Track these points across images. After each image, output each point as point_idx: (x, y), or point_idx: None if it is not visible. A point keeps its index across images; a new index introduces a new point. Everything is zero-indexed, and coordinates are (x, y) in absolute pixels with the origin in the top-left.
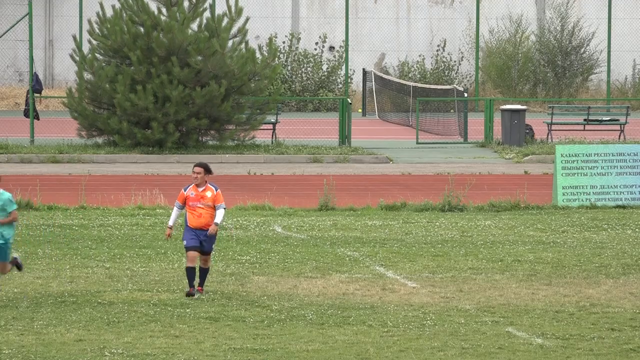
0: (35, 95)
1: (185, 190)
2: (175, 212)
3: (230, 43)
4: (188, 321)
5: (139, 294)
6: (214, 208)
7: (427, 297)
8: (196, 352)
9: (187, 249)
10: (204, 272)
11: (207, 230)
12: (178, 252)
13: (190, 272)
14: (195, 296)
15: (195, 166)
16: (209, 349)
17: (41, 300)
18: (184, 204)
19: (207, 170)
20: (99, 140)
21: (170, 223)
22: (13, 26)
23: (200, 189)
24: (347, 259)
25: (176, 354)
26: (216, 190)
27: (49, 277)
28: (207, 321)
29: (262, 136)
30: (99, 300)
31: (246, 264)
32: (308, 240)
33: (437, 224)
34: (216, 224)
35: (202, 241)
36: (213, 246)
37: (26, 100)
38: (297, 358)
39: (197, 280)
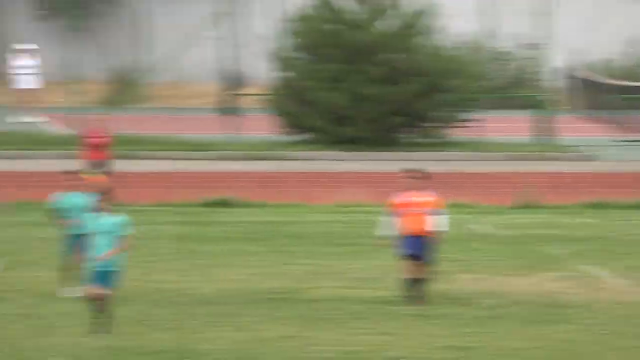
0: (235, 93)
1: (398, 197)
2: (385, 220)
3: (426, 42)
4: (396, 318)
5: (344, 291)
6: (432, 214)
7: (638, 296)
8: (404, 349)
9: (404, 257)
10: (422, 282)
11: (426, 236)
12: (378, 251)
13: (409, 283)
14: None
15: (412, 171)
16: (416, 346)
17: (252, 297)
18: (397, 211)
19: (425, 176)
20: (297, 137)
21: (382, 232)
22: (210, 28)
23: (418, 194)
24: (554, 257)
25: (384, 350)
26: (435, 196)
27: (256, 273)
28: (415, 319)
29: (460, 133)
30: (306, 297)
31: (452, 263)
32: (512, 238)
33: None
34: (441, 231)
35: (420, 248)
36: (431, 254)
37: (226, 99)
38: (507, 356)
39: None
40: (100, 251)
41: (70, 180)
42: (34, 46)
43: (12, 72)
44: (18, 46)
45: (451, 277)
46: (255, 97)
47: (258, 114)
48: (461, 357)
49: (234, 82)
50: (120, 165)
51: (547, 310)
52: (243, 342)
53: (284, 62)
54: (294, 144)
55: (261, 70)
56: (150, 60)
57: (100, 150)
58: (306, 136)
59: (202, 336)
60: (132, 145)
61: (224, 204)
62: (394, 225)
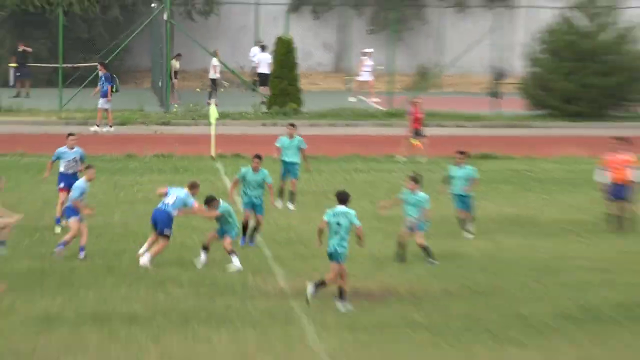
0: (499, 82)
1: (608, 155)
2: (599, 171)
3: (631, 47)
4: (596, 233)
5: (560, 216)
6: (631, 168)
7: None
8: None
9: (610, 199)
10: (622, 218)
11: (626, 184)
12: (594, 190)
13: (613, 218)
14: None
15: (618, 138)
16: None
17: (499, 220)
18: (607, 165)
19: (627, 141)
20: (541, 112)
21: (598, 179)
22: (481, 38)
23: (621, 154)
24: None
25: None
26: (632, 156)
27: (504, 205)
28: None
29: None
30: (538, 221)
31: None
32: None
33: None
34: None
35: (622, 193)
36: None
37: (491, 85)
38: None
39: None
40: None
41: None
42: (371, 50)
43: (361, 69)
44: (365, 50)
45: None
46: (513, 86)
47: (515, 97)
48: (635, 258)
49: (500, 75)
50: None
51: None
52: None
53: (534, 61)
54: (538, 117)
55: (518, 67)
56: (443, 58)
57: (418, 122)
58: (546, 112)
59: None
60: (432, 118)
61: (485, 157)
62: (604, 175)
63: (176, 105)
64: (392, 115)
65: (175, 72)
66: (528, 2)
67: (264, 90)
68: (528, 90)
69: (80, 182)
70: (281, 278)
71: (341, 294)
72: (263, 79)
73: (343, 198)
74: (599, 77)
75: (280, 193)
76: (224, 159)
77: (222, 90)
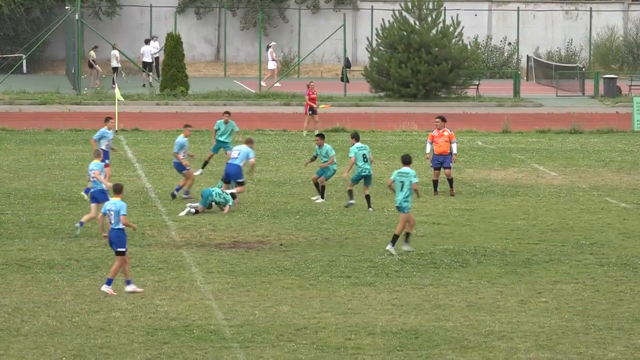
0: (347, 69)
1: (433, 132)
2: (429, 145)
3: (453, 41)
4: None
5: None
6: (450, 142)
7: (561, 180)
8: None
9: (436, 168)
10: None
11: (446, 155)
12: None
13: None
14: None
15: (438, 117)
16: (439, 208)
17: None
18: (432, 140)
19: (444, 119)
20: (381, 94)
21: (427, 151)
22: (332, 34)
23: (440, 130)
24: (517, 159)
25: (423, 210)
26: (450, 131)
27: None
28: (443, 194)
29: (470, 92)
30: (380, 182)
31: (461, 163)
32: (495, 149)
33: (568, 140)
34: (455, 154)
35: (442, 162)
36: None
37: (341, 72)
38: (490, 214)
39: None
40: None
41: None
42: (274, 43)
43: (270, 59)
44: (269, 44)
45: (461, 171)
46: (359, 72)
47: (360, 82)
48: (465, 214)
49: (348, 63)
50: None
51: (512, 189)
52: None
53: (374, 52)
54: (379, 98)
55: (363, 57)
56: (301, 50)
57: (313, 101)
58: (385, 93)
59: (322, 203)
60: (293, 99)
61: (336, 130)
62: (430, 148)
63: (86, 88)
64: (262, 96)
65: (94, 61)
66: (369, 5)
67: (147, 77)
68: (370, 76)
69: (180, 138)
70: (173, 230)
71: (407, 238)
72: (147, 66)
73: (406, 160)
74: (427, 65)
75: (204, 165)
76: (126, 132)
77: (123, 76)
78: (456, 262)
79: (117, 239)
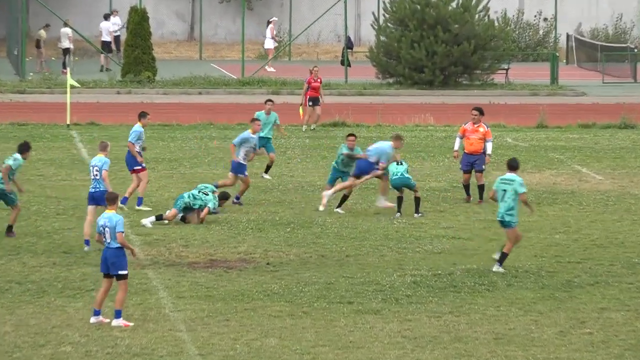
0: (348, 50)
1: (464, 125)
2: (457, 140)
3: (477, 15)
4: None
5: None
6: (485, 140)
7: (609, 185)
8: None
9: (465, 170)
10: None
11: (478, 154)
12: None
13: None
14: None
15: (474, 109)
16: (461, 220)
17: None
18: (462, 134)
19: (482, 112)
20: (390, 80)
21: (455, 148)
22: (331, 7)
23: (476, 125)
24: (556, 160)
25: (441, 221)
26: (487, 128)
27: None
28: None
29: (498, 78)
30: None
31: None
32: (529, 147)
33: (616, 137)
34: (489, 155)
35: (473, 163)
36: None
37: (342, 54)
38: (522, 226)
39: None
40: None
41: None
42: (275, 18)
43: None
44: (270, 19)
45: (487, 173)
46: (363, 54)
47: (364, 66)
48: (491, 227)
49: (349, 43)
50: None
51: (548, 196)
52: (348, 216)
53: (381, 30)
54: (387, 85)
55: (368, 36)
56: (293, 27)
57: (315, 90)
58: (394, 80)
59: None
60: (284, 86)
61: (335, 124)
62: (461, 145)
63: (32, 74)
64: (245, 83)
65: (40, 41)
66: None
67: (106, 60)
68: (377, 58)
69: (137, 127)
70: (137, 246)
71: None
72: (106, 47)
73: (512, 165)
74: (445, 45)
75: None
76: (79, 127)
77: (73, 60)
78: (481, 285)
79: (116, 260)
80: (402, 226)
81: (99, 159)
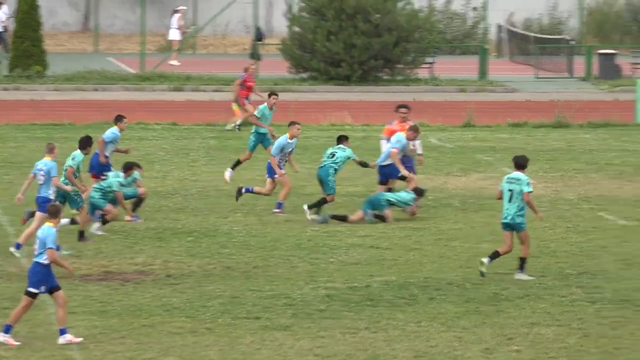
0: (258, 43)
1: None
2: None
3: (400, 5)
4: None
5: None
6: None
7: (542, 190)
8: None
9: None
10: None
11: (408, 157)
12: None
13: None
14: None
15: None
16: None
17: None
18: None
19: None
20: (304, 75)
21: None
22: None
23: (403, 124)
24: (483, 162)
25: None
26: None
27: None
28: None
29: (422, 73)
30: (302, 192)
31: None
32: (455, 148)
33: (550, 136)
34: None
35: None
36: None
37: (251, 46)
38: (447, 234)
39: None
40: None
41: None
42: (184, 8)
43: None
44: (177, 7)
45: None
46: (274, 46)
47: (276, 59)
48: (413, 235)
49: (259, 35)
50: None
51: (475, 201)
52: (251, 224)
53: (294, 20)
54: (301, 80)
55: (280, 27)
56: (198, 18)
57: (250, 89)
58: (309, 75)
59: (224, 220)
60: (188, 82)
61: (246, 124)
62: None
63: None
64: (145, 78)
65: None
66: None
67: None
68: (290, 51)
69: (115, 130)
70: (24, 257)
71: (522, 263)
72: None
73: (520, 163)
74: (365, 37)
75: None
76: None
77: None
78: (400, 299)
79: (31, 275)
80: (315, 235)
81: (45, 163)
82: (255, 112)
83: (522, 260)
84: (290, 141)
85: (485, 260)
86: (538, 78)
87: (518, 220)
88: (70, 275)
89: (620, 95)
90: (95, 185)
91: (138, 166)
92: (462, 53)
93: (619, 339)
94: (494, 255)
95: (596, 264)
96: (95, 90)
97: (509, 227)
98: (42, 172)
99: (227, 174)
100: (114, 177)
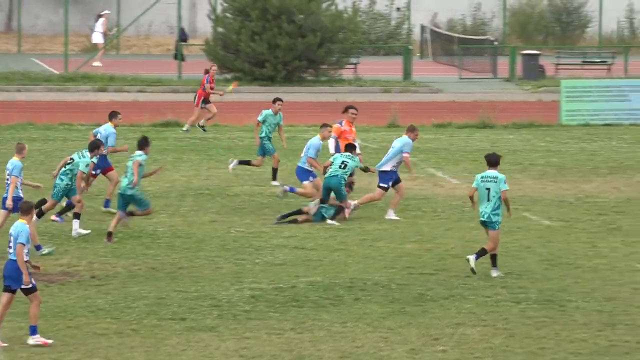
0: (182, 43)
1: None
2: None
3: (324, 5)
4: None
5: (257, 188)
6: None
7: (466, 190)
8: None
9: None
10: None
11: None
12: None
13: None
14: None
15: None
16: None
17: (185, 193)
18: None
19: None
20: (228, 76)
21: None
22: None
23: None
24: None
25: (283, 230)
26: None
27: (191, 175)
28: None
29: (346, 73)
30: (228, 193)
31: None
32: (379, 149)
33: (474, 137)
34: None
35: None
36: None
37: (175, 47)
38: (371, 235)
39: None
40: None
41: None
42: (108, 12)
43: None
44: (102, 12)
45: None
46: (198, 47)
47: (201, 60)
48: (338, 235)
49: (183, 36)
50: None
51: (400, 202)
52: (176, 225)
53: (218, 20)
54: (226, 81)
55: (205, 27)
56: (122, 18)
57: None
58: (234, 75)
59: (149, 221)
60: (112, 82)
61: (166, 124)
62: (335, 146)
63: None
64: (69, 79)
65: None
66: None
67: None
68: (214, 52)
69: (109, 128)
70: None
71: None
72: None
73: (493, 160)
74: (289, 38)
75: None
76: None
77: None
78: (326, 300)
79: (15, 273)
80: (240, 236)
81: (11, 163)
82: (259, 117)
83: (493, 257)
84: (321, 142)
85: (471, 258)
86: (462, 79)
87: (494, 218)
88: (28, 283)
89: (543, 96)
90: (63, 170)
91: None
92: (386, 54)
93: (543, 339)
94: (481, 253)
95: (521, 264)
96: (18, 90)
97: (484, 224)
98: (7, 172)
99: (232, 164)
100: (79, 158)
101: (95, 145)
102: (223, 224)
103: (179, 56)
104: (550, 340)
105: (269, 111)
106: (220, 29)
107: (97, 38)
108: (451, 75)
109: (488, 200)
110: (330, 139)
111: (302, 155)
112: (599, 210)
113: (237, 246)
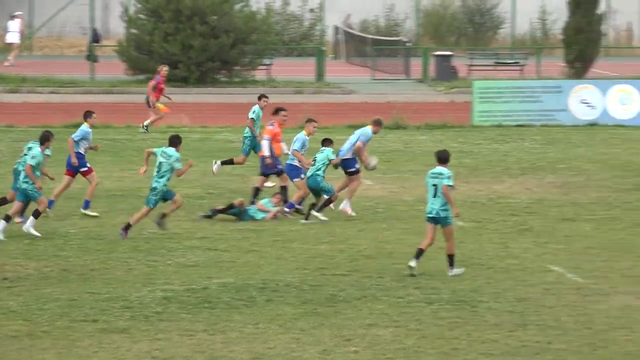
0: (95, 44)
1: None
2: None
3: (237, 6)
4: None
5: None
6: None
7: (379, 191)
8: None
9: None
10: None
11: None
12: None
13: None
14: None
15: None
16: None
17: (97, 194)
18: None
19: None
20: (141, 77)
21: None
22: None
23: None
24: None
25: (196, 231)
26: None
27: (103, 177)
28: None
29: (260, 74)
30: (139, 194)
31: (232, 177)
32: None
33: (387, 138)
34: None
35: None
36: None
37: (88, 48)
38: (284, 236)
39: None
40: None
41: None
42: (21, 12)
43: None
44: (16, 13)
45: (245, 178)
46: (111, 48)
47: (114, 61)
48: (250, 237)
49: (96, 37)
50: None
51: (311, 202)
52: (90, 226)
53: (131, 21)
54: (139, 82)
55: (118, 28)
56: (34, 19)
57: (161, 92)
58: (147, 77)
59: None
60: (24, 84)
61: (67, 126)
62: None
63: None
64: None
65: None
66: None
67: None
68: (127, 53)
69: (84, 127)
70: None
71: (451, 260)
72: None
73: (442, 157)
74: (202, 39)
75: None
76: None
77: None
78: (238, 301)
79: None
80: (152, 237)
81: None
82: (251, 115)
83: (450, 258)
84: (307, 137)
85: (412, 263)
86: (375, 80)
87: (443, 214)
88: None
89: (456, 97)
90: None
91: (52, 135)
92: (299, 55)
93: (456, 339)
94: (419, 254)
95: (433, 265)
96: None
97: (434, 220)
98: None
99: (215, 166)
100: (32, 149)
101: (45, 138)
102: (135, 226)
103: (91, 57)
104: (462, 340)
105: (257, 107)
106: (133, 30)
107: (13, 38)
108: (364, 76)
109: (435, 196)
110: (264, 140)
111: (289, 151)
112: (511, 211)
113: (149, 247)
